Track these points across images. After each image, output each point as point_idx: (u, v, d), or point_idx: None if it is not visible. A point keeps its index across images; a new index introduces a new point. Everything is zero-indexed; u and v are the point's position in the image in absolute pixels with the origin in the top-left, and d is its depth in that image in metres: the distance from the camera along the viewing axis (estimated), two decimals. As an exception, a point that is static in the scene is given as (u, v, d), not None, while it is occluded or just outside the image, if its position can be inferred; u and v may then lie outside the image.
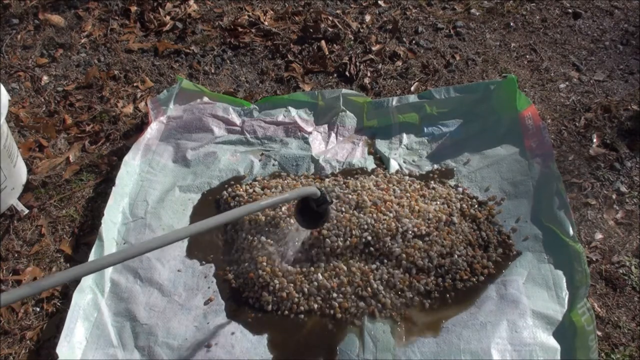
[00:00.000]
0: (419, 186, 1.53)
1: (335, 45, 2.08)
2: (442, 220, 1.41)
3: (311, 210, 1.24)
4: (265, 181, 1.59)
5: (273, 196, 1.13)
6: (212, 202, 1.57)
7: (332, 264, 1.36)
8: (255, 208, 1.09)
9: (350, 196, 1.47)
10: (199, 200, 1.58)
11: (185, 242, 1.47)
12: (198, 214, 1.55)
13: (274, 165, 1.66)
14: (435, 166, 1.61)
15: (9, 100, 1.44)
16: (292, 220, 1.42)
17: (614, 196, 1.53)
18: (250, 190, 1.56)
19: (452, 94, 1.73)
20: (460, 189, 1.53)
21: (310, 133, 1.73)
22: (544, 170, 1.51)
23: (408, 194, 1.48)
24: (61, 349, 1.22)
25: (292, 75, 1.97)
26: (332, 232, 1.39)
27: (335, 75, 1.98)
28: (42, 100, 1.93)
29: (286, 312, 1.30)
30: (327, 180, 1.58)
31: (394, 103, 1.75)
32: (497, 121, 1.67)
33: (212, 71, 2.03)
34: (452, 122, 1.70)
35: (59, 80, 2.02)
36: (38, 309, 1.37)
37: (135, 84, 1.98)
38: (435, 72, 1.95)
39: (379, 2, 2.28)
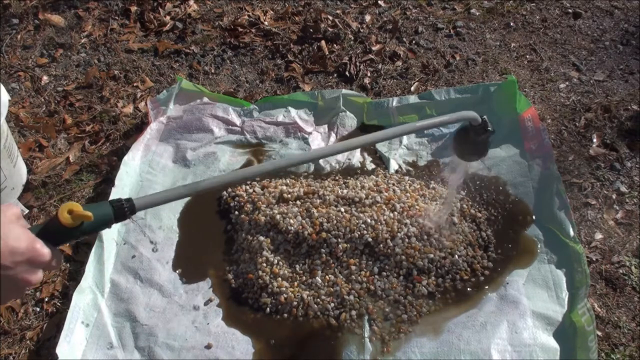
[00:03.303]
0: (419, 186, 1.53)
1: (335, 45, 2.08)
2: (442, 220, 1.41)
3: (471, 140, 1.16)
4: (265, 181, 1.59)
5: (427, 120, 1.06)
6: (212, 202, 1.57)
7: (331, 266, 1.36)
8: (408, 129, 1.05)
9: (350, 196, 1.47)
10: (199, 200, 1.58)
11: (185, 243, 1.47)
12: (198, 214, 1.55)
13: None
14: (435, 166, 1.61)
15: (9, 100, 1.43)
16: (291, 221, 1.42)
17: (614, 196, 1.53)
18: (250, 191, 1.56)
19: (453, 95, 1.73)
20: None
21: (310, 133, 1.72)
22: (544, 171, 1.51)
23: (408, 194, 1.48)
24: (61, 349, 1.22)
25: (292, 75, 1.97)
26: (331, 233, 1.39)
27: (335, 75, 1.98)
28: (42, 100, 1.93)
29: (285, 314, 1.30)
30: (327, 180, 1.58)
31: (394, 104, 1.75)
32: (497, 123, 1.66)
33: (212, 71, 2.03)
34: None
35: (59, 80, 2.02)
36: (38, 309, 1.37)
37: (135, 84, 1.98)
38: (435, 72, 1.95)
39: (379, 2, 2.28)
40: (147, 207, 0.84)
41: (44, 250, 0.64)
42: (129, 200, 0.79)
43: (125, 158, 1.64)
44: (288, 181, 1.58)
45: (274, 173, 1.59)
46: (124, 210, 0.77)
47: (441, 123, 1.11)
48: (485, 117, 1.14)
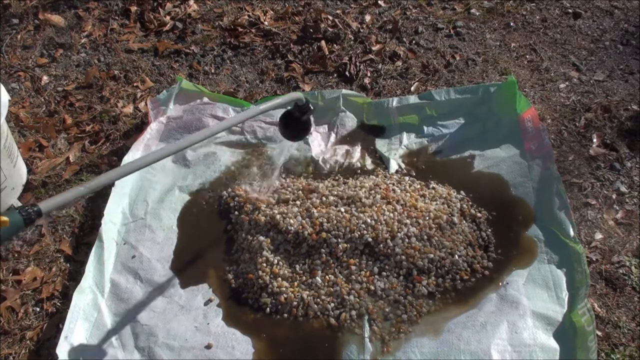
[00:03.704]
0: (419, 186, 1.53)
1: (335, 45, 2.08)
2: (443, 220, 1.41)
3: (295, 120, 1.32)
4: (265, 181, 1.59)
5: (265, 103, 1.20)
6: (212, 202, 1.57)
7: (331, 266, 1.36)
8: (248, 114, 1.21)
9: (349, 196, 1.47)
10: (198, 200, 1.58)
11: (185, 243, 1.47)
12: (198, 214, 1.55)
13: (274, 166, 1.65)
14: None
15: (9, 100, 1.44)
16: (291, 221, 1.42)
17: (614, 196, 1.53)
18: (252, 191, 1.56)
19: (453, 96, 1.73)
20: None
21: (310, 133, 1.72)
22: (544, 171, 1.51)
23: (408, 194, 1.48)
24: (61, 349, 1.23)
25: (292, 75, 1.97)
26: (331, 233, 1.39)
27: (335, 75, 1.98)
28: (42, 100, 1.93)
29: (285, 314, 1.30)
30: (327, 180, 1.58)
31: (394, 104, 1.75)
32: (497, 123, 1.67)
33: (212, 71, 2.03)
34: (452, 124, 1.70)
35: (59, 80, 2.02)
36: (38, 309, 1.37)
37: (135, 84, 1.98)
38: (435, 72, 1.95)
39: (379, 2, 2.28)
40: (54, 209, 0.92)
41: None
42: (34, 205, 0.87)
43: (125, 158, 1.64)
44: (288, 181, 1.58)
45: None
46: (30, 215, 0.85)
47: (276, 105, 1.23)
48: (307, 98, 1.31)
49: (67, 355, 1.23)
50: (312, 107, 1.32)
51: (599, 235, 1.44)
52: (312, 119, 1.38)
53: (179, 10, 2.27)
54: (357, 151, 1.67)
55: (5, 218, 0.79)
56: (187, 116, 1.78)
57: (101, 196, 1.61)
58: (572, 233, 1.36)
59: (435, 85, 1.90)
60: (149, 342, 1.27)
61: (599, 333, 1.24)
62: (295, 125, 1.35)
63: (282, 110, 1.37)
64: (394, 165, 1.62)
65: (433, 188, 1.53)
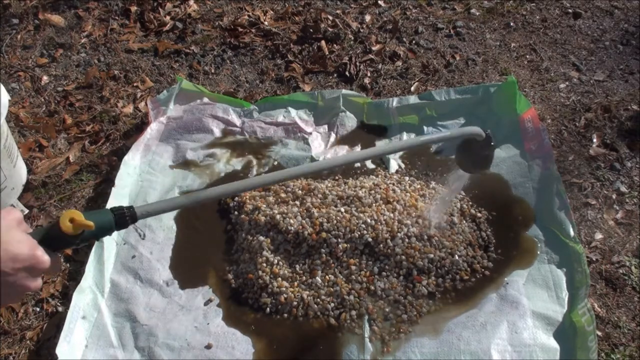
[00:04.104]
0: (419, 186, 1.53)
1: (335, 45, 2.08)
2: (443, 220, 1.41)
3: (475, 153, 1.20)
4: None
5: (430, 135, 1.10)
6: (212, 202, 1.57)
7: (331, 266, 1.36)
8: (406, 144, 1.12)
9: (349, 196, 1.47)
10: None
11: (185, 243, 1.47)
12: (198, 214, 1.55)
13: (274, 165, 1.66)
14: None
15: (9, 100, 1.43)
16: (291, 221, 1.42)
17: (614, 196, 1.53)
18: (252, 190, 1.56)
19: (453, 96, 1.73)
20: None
21: (310, 134, 1.72)
22: (544, 171, 1.51)
23: (408, 194, 1.48)
24: (61, 349, 1.22)
25: (292, 75, 1.97)
26: (331, 233, 1.39)
27: (335, 75, 1.98)
28: (42, 100, 1.93)
29: (285, 314, 1.30)
30: (327, 180, 1.58)
31: (394, 104, 1.75)
32: (497, 123, 1.67)
33: (212, 71, 2.03)
34: (452, 124, 1.70)
35: (59, 80, 2.02)
36: (38, 309, 1.37)
37: (135, 84, 1.98)
38: (435, 72, 1.95)
39: (379, 2, 2.28)
40: (149, 216, 0.84)
41: (44, 257, 0.64)
42: (130, 208, 0.79)
43: (126, 158, 1.64)
44: (288, 182, 1.58)
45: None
46: (125, 218, 0.78)
47: (446, 138, 1.12)
48: (489, 131, 1.16)
49: (67, 355, 1.22)
50: (493, 144, 1.19)
51: (599, 235, 1.44)
52: (493, 155, 1.24)
53: (179, 10, 2.27)
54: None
55: (90, 222, 0.71)
56: (187, 116, 1.78)
57: (101, 196, 1.61)
58: (572, 233, 1.36)
59: (435, 85, 1.90)
60: (149, 342, 1.27)
61: (599, 333, 1.24)
62: (475, 156, 1.22)
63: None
64: (394, 165, 1.62)
65: (433, 188, 1.53)
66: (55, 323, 1.33)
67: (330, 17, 2.18)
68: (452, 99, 1.73)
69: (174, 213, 1.54)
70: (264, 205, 1.50)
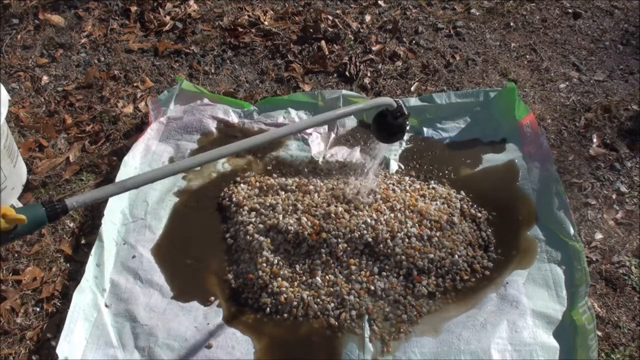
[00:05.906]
0: (419, 186, 1.53)
1: (335, 45, 2.08)
2: (443, 220, 1.41)
3: (388, 124, 1.26)
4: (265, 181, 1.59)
5: (348, 107, 1.15)
6: (211, 202, 1.57)
7: (331, 266, 1.36)
8: (323, 118, 1.13)
9: (350, 195, 1.47)
10: (199, 200, 1.58)
11: (185, 243, 1.47)
12: (198, 214, 1.55)
13: (273, 165, 1.66)
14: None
15: (9, 100, 1.43)
16: (291, 221, 1.42)
17: (614, 196, 1.53)
18: (250, 191, 1.55)
19: (453, 100, 1.74)
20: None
21: (310, 134, 1.72)
22: (543, 173, 1.52)
23: (408, 194, 1.48)
24: (61, 349, 1.22)
25: (292, 75, 1.97)
26: (331, 233, 1.39)
27: (335, 75, 1.98)
28: (42, 100, 1.93)
29: (285, 314, 1.30)
30: (327, 180, 1.58)
31: (394, 104, 1.75)
32: (497, 128, 1.68)
33: (212, 71, 2.03)
34: (451, 127, 1.71)
35: (59, 80, 2.02)
36: (38, 309, 1.37)
37: (135, 84, 1.98)
38: (435, 72, 1.95)
39: (379, 2, 2.28)
40: (81, 206, 0.87)
41: None
42: (60, 200, 0.83)
43: (126, 158, 1.64)
44: (288, 182, 1.58)
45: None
46: (56, 210, 0.82)
47: (360, 109, 1.18)
48: (399, 101, 1.23)
49: (67, 355, 1.22)
50: (406, 112, 1.24)
51: (599, 235, 1.44)
52: (407, 123, 1.29)
53: (179, 10, 2.27)
54: (357, 151, 1.67)
55: (22, 216, 0.76)
56: (187, 117, 1.78)
57: (101, 196, 1.61)
58: (572, 231, 1.36)
59: (435, 85, 1.90)
60: (149, 342, 1.27)
61: (599, 333, 1.24)
62: (389, 127, 1.28)
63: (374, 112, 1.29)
64: (394, 166, 1.62)
65: (433, 188, 1.53)
66: (55, 323, 1.33)
67: (330, 17, 2.18)
68: (453, 103, 1.73)
69: (173, 213, 1.54)
70: (262, 208, 1.49)
